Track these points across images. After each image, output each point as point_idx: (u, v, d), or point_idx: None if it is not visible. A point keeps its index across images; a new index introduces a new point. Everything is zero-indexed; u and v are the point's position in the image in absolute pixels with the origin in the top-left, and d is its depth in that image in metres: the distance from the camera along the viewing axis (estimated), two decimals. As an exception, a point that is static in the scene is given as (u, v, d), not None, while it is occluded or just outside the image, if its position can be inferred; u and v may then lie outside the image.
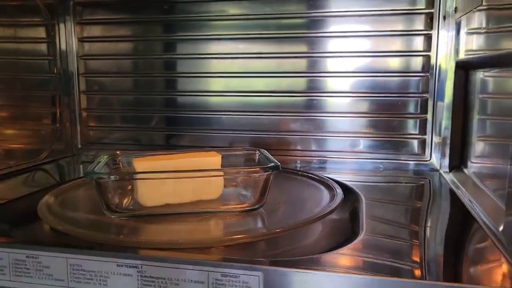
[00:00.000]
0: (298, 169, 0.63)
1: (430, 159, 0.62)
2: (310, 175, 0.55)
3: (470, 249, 0.36)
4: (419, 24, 0.60)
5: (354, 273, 0.30)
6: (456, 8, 0.56)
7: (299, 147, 0.67)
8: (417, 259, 0.33)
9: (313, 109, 0.65)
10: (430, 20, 0.59)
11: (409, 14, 0.60)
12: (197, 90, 0.69)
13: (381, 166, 0.64)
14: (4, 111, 0.64)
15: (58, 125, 0.71)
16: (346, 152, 0.65)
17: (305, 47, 0.64)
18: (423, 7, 0.60)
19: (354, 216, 0.43)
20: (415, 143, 0.63)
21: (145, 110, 0.72)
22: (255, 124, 0.68)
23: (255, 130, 0.68)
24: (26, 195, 0.51)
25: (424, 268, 0.32)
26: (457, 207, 0.46)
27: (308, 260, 0.33)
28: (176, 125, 0.71)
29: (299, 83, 0.65)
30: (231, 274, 0.32)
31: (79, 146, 0.74)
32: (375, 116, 0.64)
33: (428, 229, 0.40)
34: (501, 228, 0.35)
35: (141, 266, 0.33)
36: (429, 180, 0.58)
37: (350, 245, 0.35)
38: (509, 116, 0.40)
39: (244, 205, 0.44)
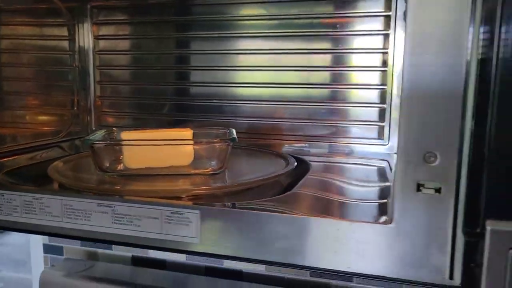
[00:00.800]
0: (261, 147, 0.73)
1: (388, 143, 0.70)
2: (275, 152, 0.65)
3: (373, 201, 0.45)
4: (379, 25, 0.69)
5: (257, 211, 0.40)
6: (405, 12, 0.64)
7: (289, 132, 0.76)
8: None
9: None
10: (388, 21, 0.68)
11: (371, 16, 0.69)
12: (206, 81, 0.79)
13: (349, 149, 0.73)
14: (32, 98, 0.77)
15: (75, 109, 0.83)
16: (324, 137, 0.74)
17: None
18: (382, 10, 0.68)
19: (295, 182, 0.53)
20: (376, 129, 0.71)
21: (154, 98, 0.83)
22: (252, 112, 0.77)
23: (253, 117, 0.77)
24: (42, 162, 0.63)
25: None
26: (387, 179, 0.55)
27: (235, 205, 0.43)
28: (185, 111, 0.81)
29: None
30: (178, 212, 0.42)
31: (93, 129, 0.86)
32: (344, 105, 0.73)
33: (351, 190, 0.50)
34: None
35: (114, 206, 0.44)
36: (388, 161, 0.67)
37: (273, 198, 0.45)
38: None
39: (208, 170, 0.54)
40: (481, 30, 0.31)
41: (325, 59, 0.72)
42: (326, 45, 0.72)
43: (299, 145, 0.76)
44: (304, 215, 0.39)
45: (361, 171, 0.64)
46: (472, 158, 0.31)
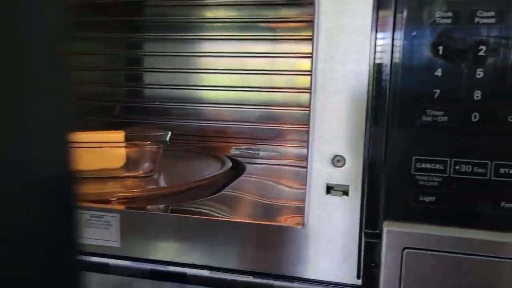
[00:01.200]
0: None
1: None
2: (213, 154, 0.65)
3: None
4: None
5: (175, 213, 0.40)
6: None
7: (238, 135, 0.76)
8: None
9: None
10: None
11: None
12: (159, 83, 0.79)
13: (297, 152, 0.73)
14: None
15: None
16: (271, 139, 0.75)
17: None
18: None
19: (228, 183, 0.53)
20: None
21: (101, 100, 0.81)
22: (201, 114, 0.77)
23: (203, 120, 0.77)
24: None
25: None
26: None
27: (155, 208, 0.43)
28: (136, 114, 0.80)
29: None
30: (97, 215, 0.42)
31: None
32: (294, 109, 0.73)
33: (279, 192, 0.50)
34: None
35: (34, 209, 0.43)
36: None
37: (194, 201, 0.45)
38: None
39: (140, 172, 0.54)
40: (378, 36, 0.32)
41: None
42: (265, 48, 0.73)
43: (247, 147, 0.76)
44: (215, 218, 0.39)
45: (301, 173, 0.65)
46: (371, 162, 0.33)
